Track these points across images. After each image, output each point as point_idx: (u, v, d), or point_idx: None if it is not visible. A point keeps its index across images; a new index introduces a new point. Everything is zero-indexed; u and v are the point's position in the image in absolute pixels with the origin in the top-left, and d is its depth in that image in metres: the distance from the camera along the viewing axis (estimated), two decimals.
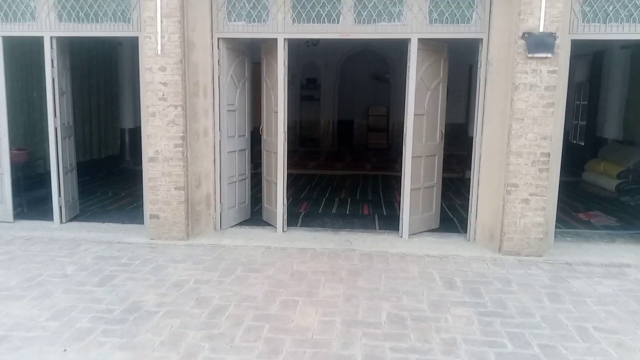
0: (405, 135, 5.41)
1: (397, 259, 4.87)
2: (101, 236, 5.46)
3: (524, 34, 4.66)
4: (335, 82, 15.09)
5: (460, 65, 8.15)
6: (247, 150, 6.16)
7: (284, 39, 5.38)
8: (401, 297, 3.95)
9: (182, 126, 5.21)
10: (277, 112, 5.57)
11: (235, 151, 5.91)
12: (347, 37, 5.30)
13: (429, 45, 5.38)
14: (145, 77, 5.20)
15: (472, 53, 5.56)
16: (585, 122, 10.30)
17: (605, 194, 7.84)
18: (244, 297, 3.91)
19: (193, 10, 5.23)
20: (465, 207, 7.02)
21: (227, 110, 5.70)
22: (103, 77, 9.20)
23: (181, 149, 5.23)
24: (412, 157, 5.44)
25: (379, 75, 15.29)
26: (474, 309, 3.76)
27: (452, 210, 6.75)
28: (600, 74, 9.59)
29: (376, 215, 6.46)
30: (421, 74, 5.37)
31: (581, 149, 10.16)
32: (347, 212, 6.66)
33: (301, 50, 14.61)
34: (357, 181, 9.29)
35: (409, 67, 5.29)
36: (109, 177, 9.06)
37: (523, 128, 4.81)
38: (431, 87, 5.54)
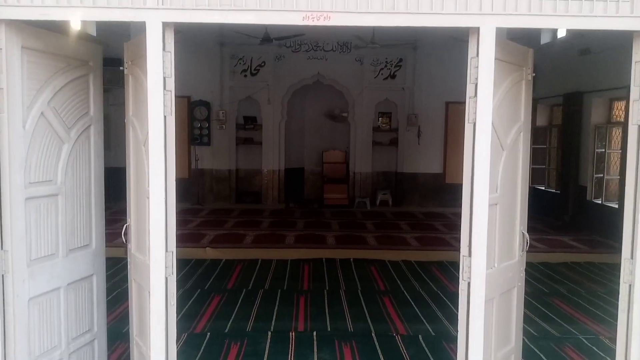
0: (472, 257, 2.24)
1: None
2: None
3: None
4: (281, 122, 12.00)
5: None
6: (94, 278, 2.77)
7: (163, 22, 2.14)
8: None
9: None
10: (150, 196, 2.27)
11: (57, 289, 2.51)
12: (324, 23, 2.16)
13: (508, 51, 2.34)
14: None
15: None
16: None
17: None
18: None
19: None
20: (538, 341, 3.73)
21: (27, 198, 2.33)
22: None
23: None
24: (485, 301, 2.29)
25: (335, 113, 12.35)
26: None
27: None
28: None
29: None
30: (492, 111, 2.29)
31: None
32: None
33: (237, 81, 11.53)
34: (320, 275, 6.01)
35: (475, 94, 2.19)
36: None
37: None
38: (508, 143, 2.47)
